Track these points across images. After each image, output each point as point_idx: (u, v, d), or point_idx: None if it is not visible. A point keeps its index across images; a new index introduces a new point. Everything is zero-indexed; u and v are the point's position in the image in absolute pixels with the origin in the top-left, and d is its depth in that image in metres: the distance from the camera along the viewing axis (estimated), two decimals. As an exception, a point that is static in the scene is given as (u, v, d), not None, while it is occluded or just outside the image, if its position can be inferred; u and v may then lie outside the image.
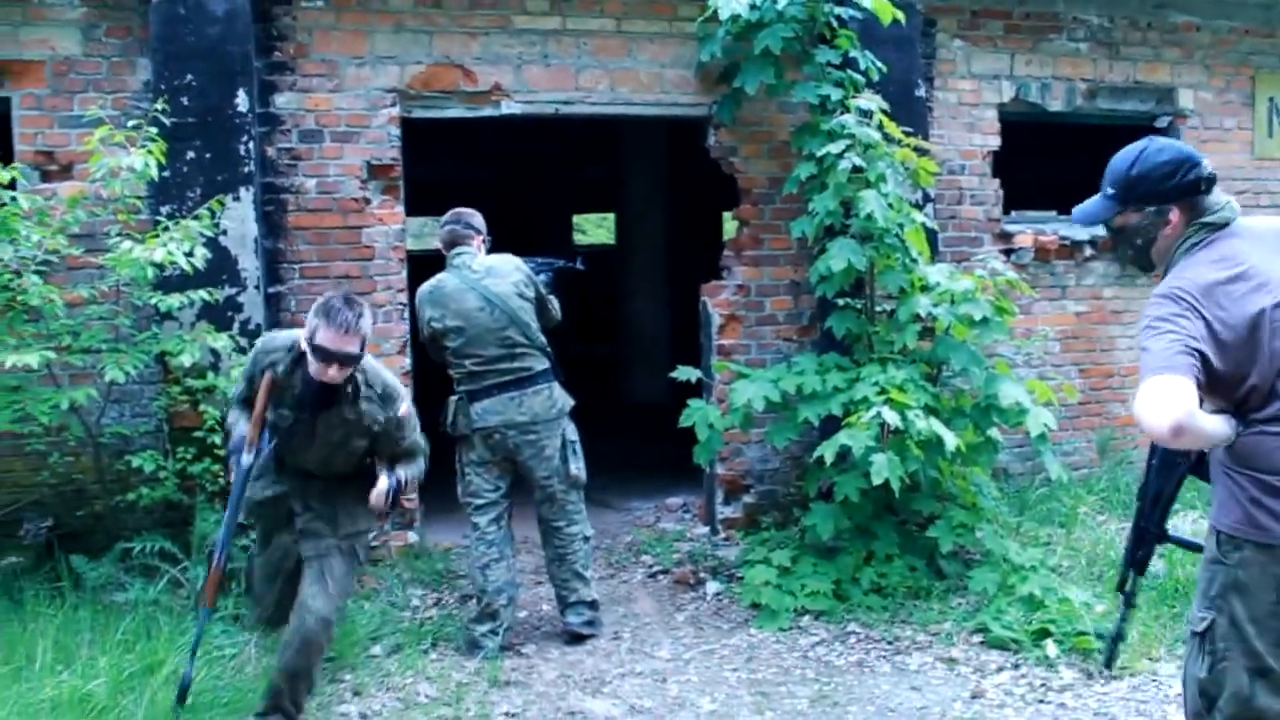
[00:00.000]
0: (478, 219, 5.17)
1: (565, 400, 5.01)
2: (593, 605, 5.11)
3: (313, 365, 3.82)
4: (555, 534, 5.03)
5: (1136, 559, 3.07)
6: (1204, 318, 2.52)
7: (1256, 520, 2.58)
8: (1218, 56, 7.43)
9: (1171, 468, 3.02)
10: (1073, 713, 4.29)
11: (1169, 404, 2.37)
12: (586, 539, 5.10)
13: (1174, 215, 2.73)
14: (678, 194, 12.19)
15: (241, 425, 4.05)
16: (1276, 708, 2.59)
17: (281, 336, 4.13)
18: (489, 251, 5.15)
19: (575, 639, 5.03)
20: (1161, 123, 7.39)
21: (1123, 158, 2.80)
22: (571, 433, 5.02)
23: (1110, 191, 2.82)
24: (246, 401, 4.09)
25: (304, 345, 3.85)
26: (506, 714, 4.26)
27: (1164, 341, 2.48)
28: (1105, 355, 7.23)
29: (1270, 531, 2.56)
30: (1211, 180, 2.72)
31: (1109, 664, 3.75)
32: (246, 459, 3.95)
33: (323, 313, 3.78)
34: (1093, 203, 2.89)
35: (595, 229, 23.13)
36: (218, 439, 5.09)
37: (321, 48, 5.67)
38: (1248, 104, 7.54)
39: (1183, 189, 2.71)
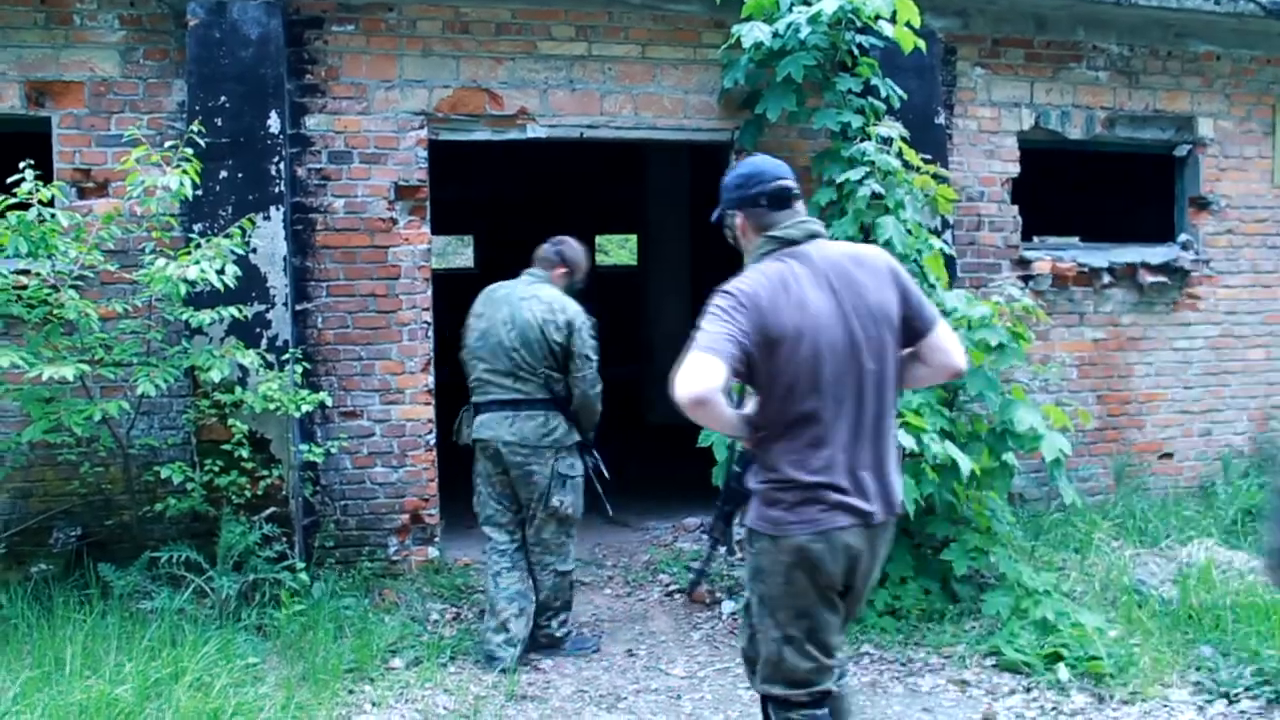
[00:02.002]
0: (571, 253, 5.16)
1: (565, 432, 4.99)
2: (549, 639, 5.17)
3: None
4: (531, 557, 5.11)
5: (725, 512, 3.42)
6: (749, 319, 2.87)
7: (767, 515, 3.01)
8: (1238, 85, 7.48)
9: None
10: (1083, 736, 4.32)
11: (698, 378, 2.76)
12: (560, 573, 5.11)
13: (739, 221, 3.13)
14: (700, 217, 12.26)
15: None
16: (802, 666, 3.08)
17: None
18: (571, 291, 5.13)
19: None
20: (1181, 151, 7.44)
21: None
22: (569, 468, 5.02)
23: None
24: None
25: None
26: (523, 727, 4.34)
27: (716, 326, 2.87)
28: (1122, 382, 7.27)
29: (777, 525, 2.99)
30: (779, 198, 3.07)
31: (690, 592, 5.11)
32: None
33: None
34: None
35: (617, 250, 23.21)
36: (245, 452, 5.19)
37: (351, 71, 5.80)
38: (1268, 133, 7.58)
39: (743, 200, 3.10)
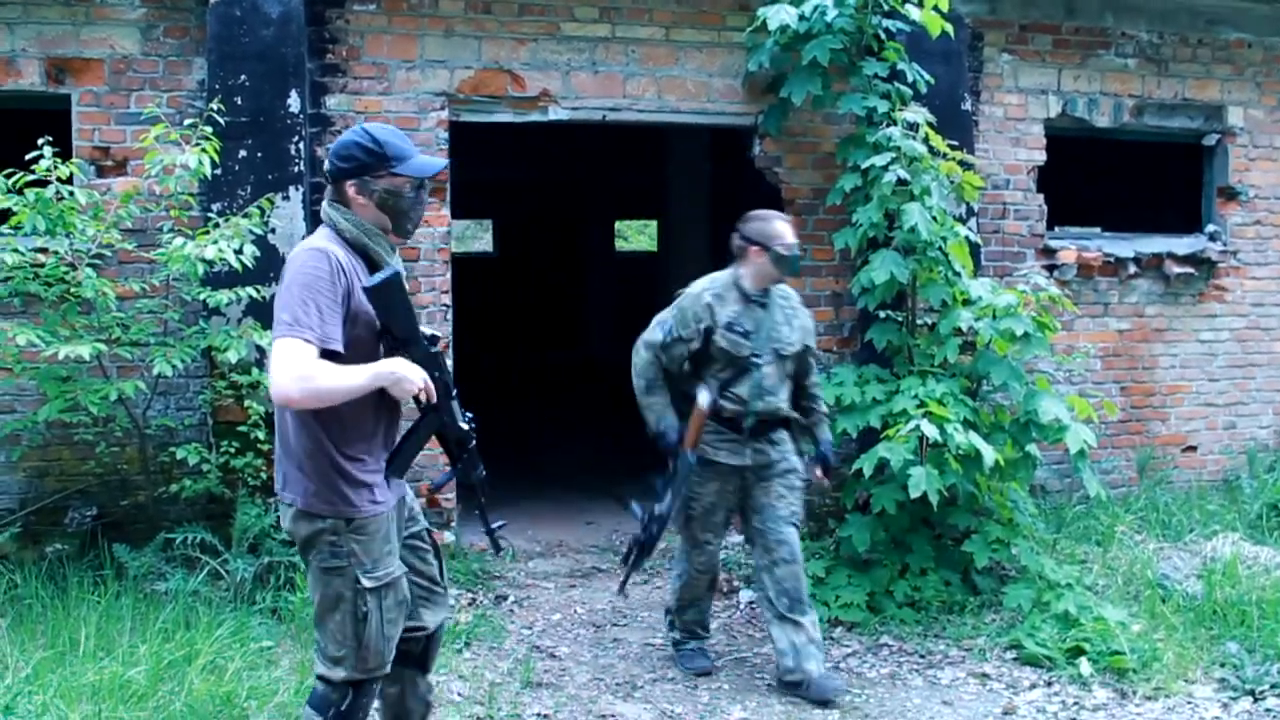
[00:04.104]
0: (750, 228, 4.60)
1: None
2: (671, 624, 4.98)
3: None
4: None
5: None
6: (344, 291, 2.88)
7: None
8: (1270, 74, 7.36)
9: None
10: (1106, 732, 4.27)
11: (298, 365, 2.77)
12: (677, 575, 4.86)
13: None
14: (721, 203, 12.20)
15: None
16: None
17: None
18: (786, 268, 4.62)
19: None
20: (1210, 140, 7.34)
21: None
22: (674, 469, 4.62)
23: None
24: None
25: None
26: (538, 714, 4.29)
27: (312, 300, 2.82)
28: (1147, 373, 7.18)
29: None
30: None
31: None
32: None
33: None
34: None
35: (637, 235, 23.16)
36: (262, 434, 5.16)
37: (373, 51, 5.75)
38: (1299, 123, 7.46)
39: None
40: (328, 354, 2.81)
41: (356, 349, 2.91)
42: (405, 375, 2.88)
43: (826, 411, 4.90)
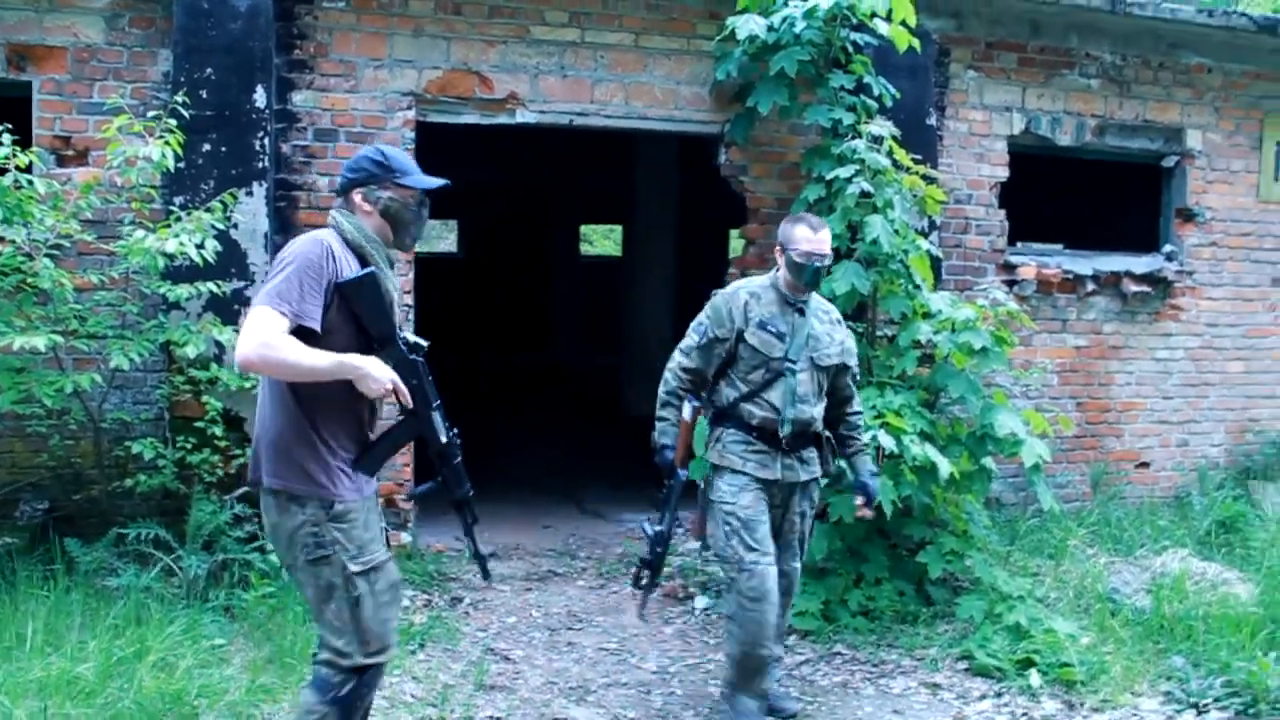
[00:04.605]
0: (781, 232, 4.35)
1: (708, 450, 4.38)
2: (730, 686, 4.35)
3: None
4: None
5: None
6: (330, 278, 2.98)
7: None
8: (1228, 99, 7.49)
9: None
10: (1053, 743, 4.32)
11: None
12: (729, 616, 4.27)
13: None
14: (687, 210, 12.25)
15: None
16: None
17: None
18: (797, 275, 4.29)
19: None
20: (1169, 162, 7.45)
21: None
22: (711, 491, 4.30)
23: None
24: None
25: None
26: (490, 717, 4.29)
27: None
28: (1102, 390, 7.27)
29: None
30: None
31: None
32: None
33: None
34: None
35: (602, 240, 23.17)
36: (219, 430, 5.13)
37: (341, 48, 5.73)
38: (1255, 147, 7.60)
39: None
40: (306, 334, 2.90)
41: (339, 341, 2.98)
42: (372, 372, 2.95)
43: (867, 442, 4.64)
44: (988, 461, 5.54)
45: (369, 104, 5.77)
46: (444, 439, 3.20)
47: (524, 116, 6.04)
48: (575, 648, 5.14)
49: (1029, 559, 6.03)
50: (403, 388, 3.03)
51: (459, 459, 3.25)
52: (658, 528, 4.37)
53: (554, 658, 5.01)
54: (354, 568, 3.04)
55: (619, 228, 17.76)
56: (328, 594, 3.06)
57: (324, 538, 3.03)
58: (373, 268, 3.05)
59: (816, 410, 4.26)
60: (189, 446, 5.18)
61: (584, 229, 18.83)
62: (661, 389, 4.41)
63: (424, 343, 3.19)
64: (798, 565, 4.42)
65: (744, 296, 4.27)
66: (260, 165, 5.46)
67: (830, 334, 4.33)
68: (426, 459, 3.36)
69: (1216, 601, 5.31)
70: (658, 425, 4.39)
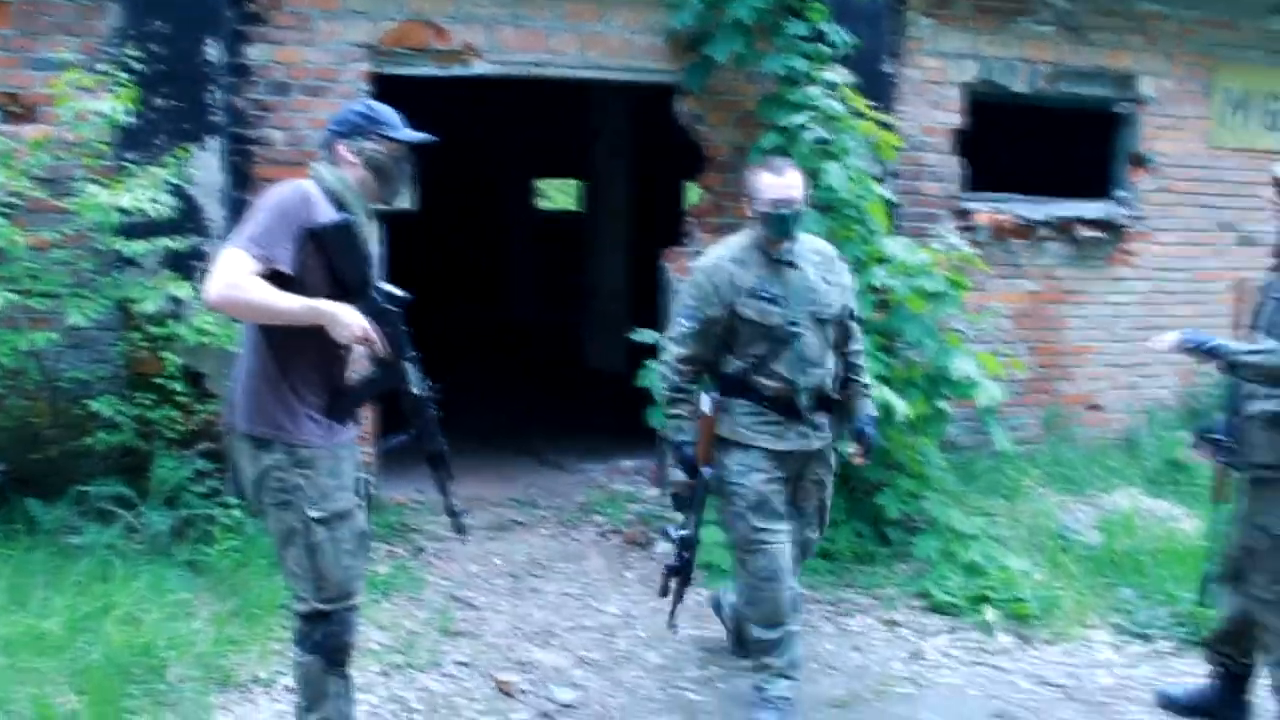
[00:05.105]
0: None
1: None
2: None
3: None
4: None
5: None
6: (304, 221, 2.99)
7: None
8: (1180, 45, 7.55)
9: None
10: (1007, 674, 4.47)
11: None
12: (738, 593, 4.19)
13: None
14: (643, 162, 12.23)
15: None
16: None
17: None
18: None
19: None
20: (1122, 109, 7.52)
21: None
22: (719, 467, 4.03)
23: None
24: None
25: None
26: (457, 662, 4.36)
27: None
28: (1055, 334, 7.38)
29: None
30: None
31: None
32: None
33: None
34: None
35: (558, 194, 23.06)
36: (179, 386, 5.12)
37: (294, 0, 5.66)
38: (1206, 94, 7.68)
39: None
40: (281, 280, 2.91)
41: (312, 286, 2.99)
42: (344, 319, 2.96)
43: (869, 383, 4.22)
44: (943, 404, 5.63)
45: (323, 56, 5.71)
46: (419, 391, 3.22)
47: (480, 68, 6.00)
48: (538, 594, 5.22)
49: (984, 499, 6.16)
50: (374, 336, 3.03)
51: (434, 412, 3.27)
52: (683, 532, 4.02)
53: (517, 604, 5.08)
54: (314, 514, 3.08)
55: (574, 182, 17.70)
56: (288, 538, 3.11)
57: (288, 482, 3.06)
58: (349, 215, 3.06)
59: (830, 370, 3.99)
60: (148, 404, 5.16)
61: (540, 183, 18.72)
62: (663, 386, 4.13)
63: (404, 295, 3.19)
64: (815, 535, 4.22)
65: (728, 266, 3.93)
66: (214, 120, 5.41)
67: (826, 279, 3.99)
68: (394, 412, 3.37)
69: (1164, 537, 5.49)
70: (670, 423, 4.10)
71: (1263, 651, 3.82)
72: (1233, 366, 3.70)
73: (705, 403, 3.96)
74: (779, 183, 3.86)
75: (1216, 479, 3.96)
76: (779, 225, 3.87)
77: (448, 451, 3.35)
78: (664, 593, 4.15)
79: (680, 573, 4.10)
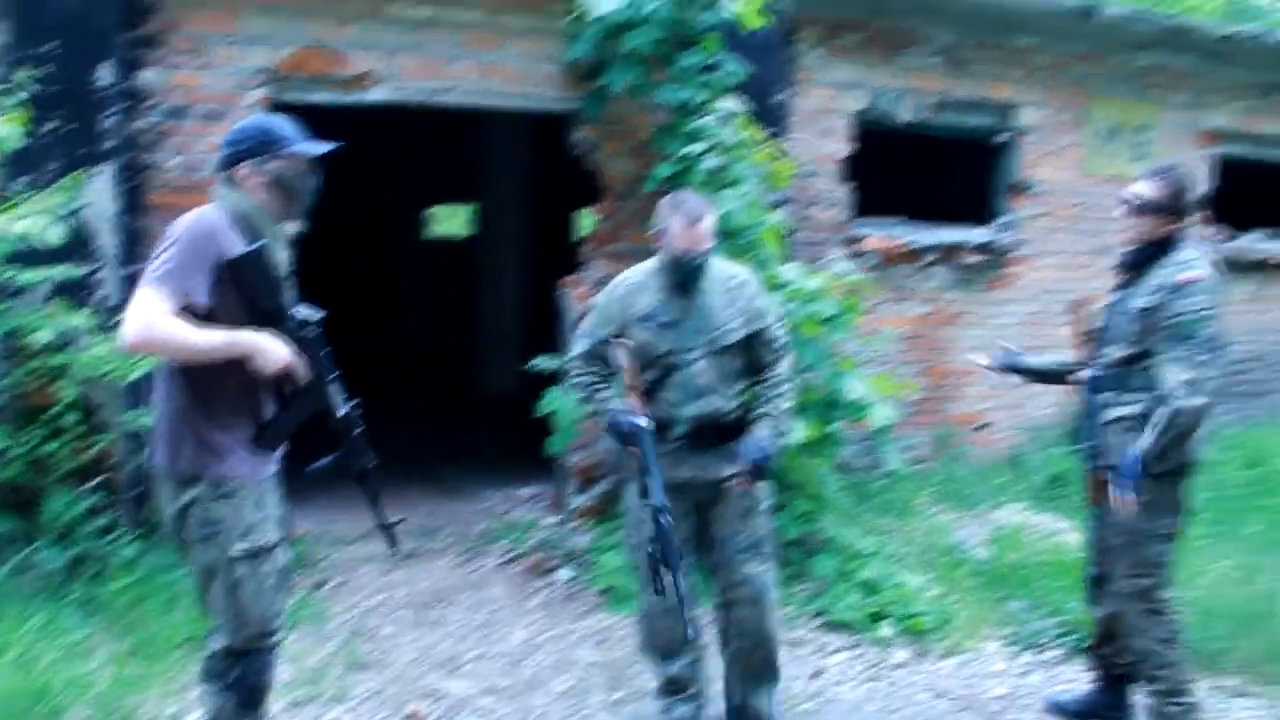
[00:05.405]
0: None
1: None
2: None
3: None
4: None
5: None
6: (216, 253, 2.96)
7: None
8: (1056, 78, 7.92)
9: None
10: (906, 687, 4.62)
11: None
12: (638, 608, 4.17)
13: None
14: (537, 189, 12.29)
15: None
16: None
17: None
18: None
19: None
20: (1002, 138, 7.83)
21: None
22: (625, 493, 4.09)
23: None
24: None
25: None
26: (365, 694, 4.34)
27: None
28: (943, 356, 7.64)
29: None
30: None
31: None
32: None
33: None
34: None
35: (447, 220, 22.91)
36: (73, 418, 5.00)
37: (189, 24, 5.58)
38: (1080, 124, 8.05)
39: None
40: (195, 314, 2.88)
41: (228, 318, 2.96)
42: (267, 349, 2.94)
43: (777, 410, 3.93)
44: (837, 426, 5.78)
45: (221, 81, 5.65)
46: (343, 411, 3.20)
47: (380, 95, 6.00)
48: (443, 623, 5.21)
49: (878, 518, 6.33)
50: (296, 364, 3.01)
51: (360, 430, 3.24)
52: (652, 502, 3.64)
53: (423, 634, 5.07)
54: (238, 549, 3.03)
55: (465, 209, 17.65)
56: (210, 574, 3.07)
57: (211, 516, 3.02)
58: (262, 241, 3.01)
59: (726, 400, 3.87)
60: (40, 437, 5.02)
61: (430, 210, 18.64)
62: (577, 395, 4.08)
63: (318, 315, 3.17)
64: (756, 569, 3.93)
65: (625, 291, 3.93)
66: (108, 145, 5.31)
67: (732, 304, 3.88)
68: (301, 435, 3.31)
69: (1050, 550, 5.71)
70: (600, 414, 3.97)
71: (1128, 646, 4.05)
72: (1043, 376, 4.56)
73: (620, 354, 3.84)
74: (689, 234, 3.75)
75: (1088, 485, 4.18)
76: (683, 271, 3.80)
77: (372, 468, 3.31)
78: (659, 590, 3.66)
79: (664, 541, 3.60)
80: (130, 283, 5.34)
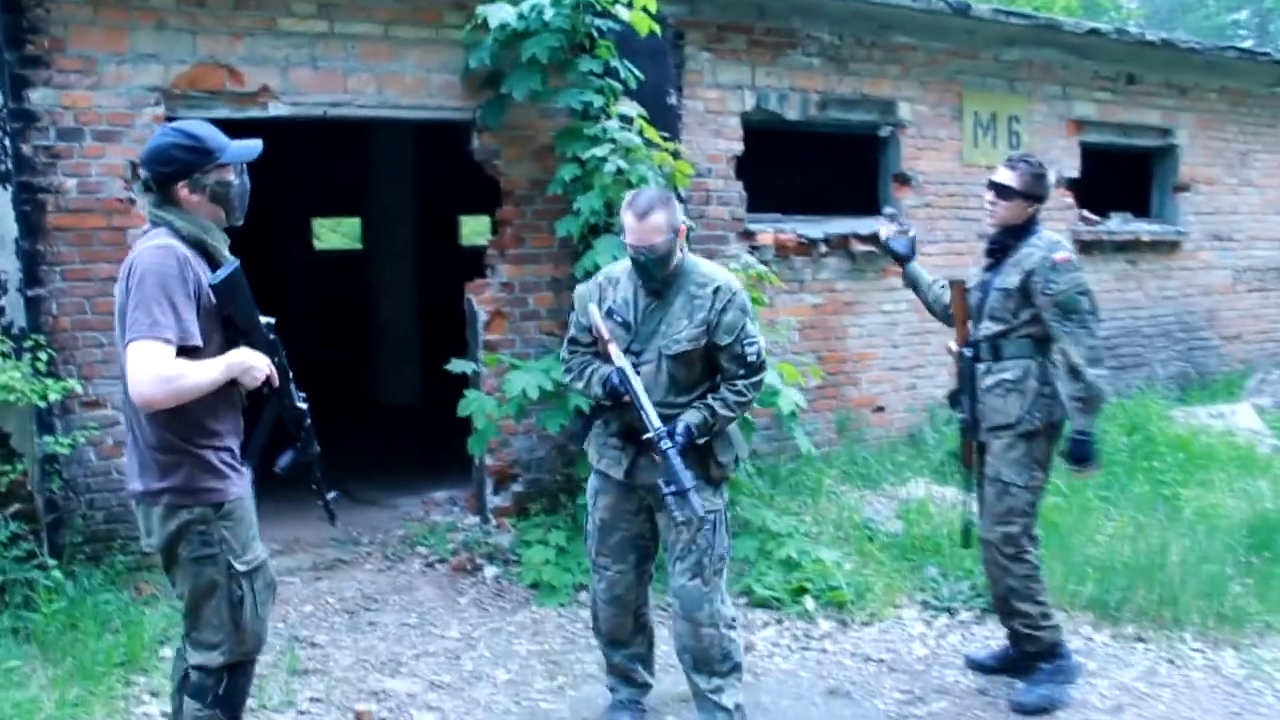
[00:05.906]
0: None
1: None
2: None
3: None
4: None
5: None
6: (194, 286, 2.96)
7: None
8: (931, 74, 8.27)
9: None
10: (833, 655, 4.83)
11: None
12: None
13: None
14: (425, 198, 12.28)
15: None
16: None
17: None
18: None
19: None
20: (884, 132, 8.15)
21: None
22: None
23: None
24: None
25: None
26: (311, 699, 4.37)
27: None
28: (839, 343, 7.92)
29: None
30: None
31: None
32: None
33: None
34: None
35: (329, 234, 22.68)
36: (-15, 446, 4.92)
37: (79, 43, 5.52)
38: (957, 117, 8.42)
39: None
40: (188, 350, 2.88)
41: (213, 344, 2.99)
42: (254, 364, 3.00)
43: (712, 405, 3.78)
44: (747, 414, 5.98)
45: (114, 100, 5.59)
46: (301, 405, 3.25)
47: (277, 109, 6.01)
48: (377, 626, 5.26)
49: (791, 499, 6.55)
50: (274, 371, 3.08)
51: (310, 420, 3.29)
52: (653, 432, 3.62)
53: (359, 637, 5.11)
54: (240, 567, 3.07)
55: (348, 221, 17.51)
56: (209, 592, 3.06)
57: (211, 536, 3.03)
58: (235, 261, 3.03)
59: (672, 408, 3.76)
60: (-52, 467, 4.94)
61: (315, 223, 18.42)
62: (572, 383, 4.04)
63: (272, 320, 3.21)
64: (687, 583, 3.84)
65: (600, 283, 3.97)
66: (1, 168, 5.23)
67: (691, 314, 3.78)
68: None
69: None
70: (591, 386, 3.90)
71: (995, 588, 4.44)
72: None
73: (592, 313, 3.86)
74: (637, 228, 3.73)
75: (963, 446, 4.61)
76: (639, 268, 3.81)
77: (319, 453, 3.34)
78: (671, 487, 3.57)
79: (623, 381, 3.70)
80: (34, 306, 5.30)
